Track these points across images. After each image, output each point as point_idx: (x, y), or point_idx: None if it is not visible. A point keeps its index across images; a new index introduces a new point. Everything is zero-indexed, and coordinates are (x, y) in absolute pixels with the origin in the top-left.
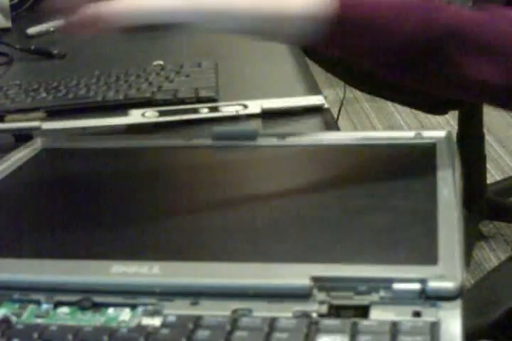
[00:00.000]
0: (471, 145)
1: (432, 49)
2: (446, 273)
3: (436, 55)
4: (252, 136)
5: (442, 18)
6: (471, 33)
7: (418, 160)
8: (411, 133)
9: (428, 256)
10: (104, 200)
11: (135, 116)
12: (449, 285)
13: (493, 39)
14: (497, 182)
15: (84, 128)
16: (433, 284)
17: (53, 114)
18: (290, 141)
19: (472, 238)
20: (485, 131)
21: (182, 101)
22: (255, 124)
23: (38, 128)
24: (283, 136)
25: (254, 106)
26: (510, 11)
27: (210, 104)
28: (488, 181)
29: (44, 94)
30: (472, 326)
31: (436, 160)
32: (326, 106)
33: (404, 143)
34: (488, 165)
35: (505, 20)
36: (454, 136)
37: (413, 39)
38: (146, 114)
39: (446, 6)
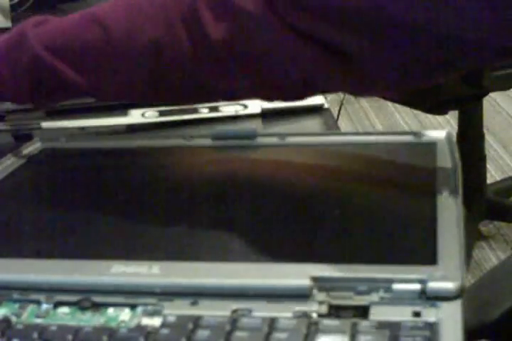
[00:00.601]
0: (471, 145)
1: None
2: (447, 274)
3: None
4: (252, 135)
5: (30, 41)
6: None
7: (418, 160)
8: (411, 133)
9: (428, 256)
10: (103, 200)
11: (135, 116)
12: (449, 285)
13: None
14: (497, 182)
15: (83, 128)
16: (433, 284)
17: (53, 113)
18: (290, 140)
19: (472, 238)
20: (485, 131)
21: None
22: (255, 124)
23: (38, 128)
24: (283, 136)
25: (254, 106)
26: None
27: (210, 104)
28: (488, 181)
29: None
30: (472, 326)
31: (436, 160)
32: (326, 106)
33: (405, 143)
34: (488, 165)
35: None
36: (454, 136)
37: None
38: (146, 114)
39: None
